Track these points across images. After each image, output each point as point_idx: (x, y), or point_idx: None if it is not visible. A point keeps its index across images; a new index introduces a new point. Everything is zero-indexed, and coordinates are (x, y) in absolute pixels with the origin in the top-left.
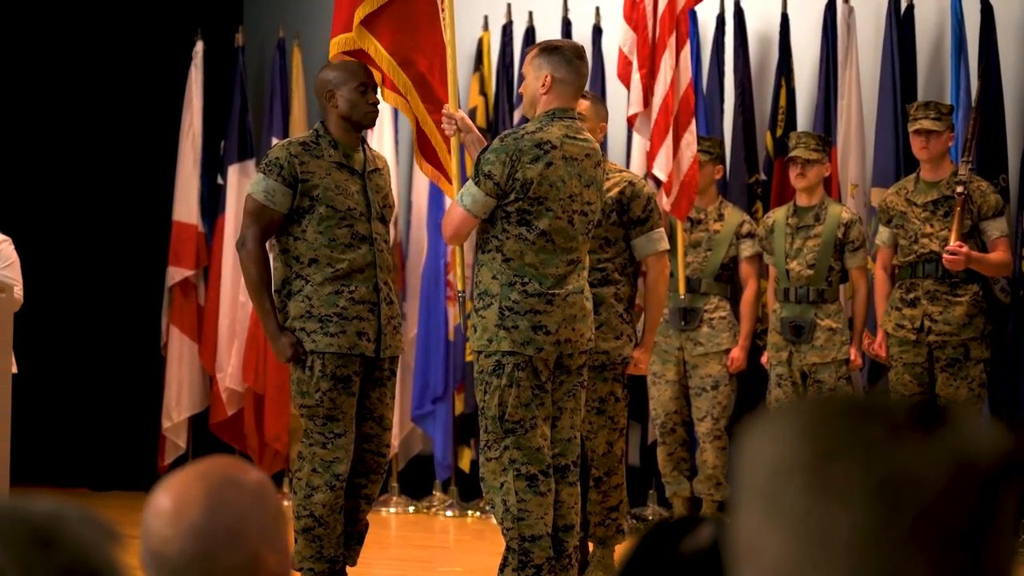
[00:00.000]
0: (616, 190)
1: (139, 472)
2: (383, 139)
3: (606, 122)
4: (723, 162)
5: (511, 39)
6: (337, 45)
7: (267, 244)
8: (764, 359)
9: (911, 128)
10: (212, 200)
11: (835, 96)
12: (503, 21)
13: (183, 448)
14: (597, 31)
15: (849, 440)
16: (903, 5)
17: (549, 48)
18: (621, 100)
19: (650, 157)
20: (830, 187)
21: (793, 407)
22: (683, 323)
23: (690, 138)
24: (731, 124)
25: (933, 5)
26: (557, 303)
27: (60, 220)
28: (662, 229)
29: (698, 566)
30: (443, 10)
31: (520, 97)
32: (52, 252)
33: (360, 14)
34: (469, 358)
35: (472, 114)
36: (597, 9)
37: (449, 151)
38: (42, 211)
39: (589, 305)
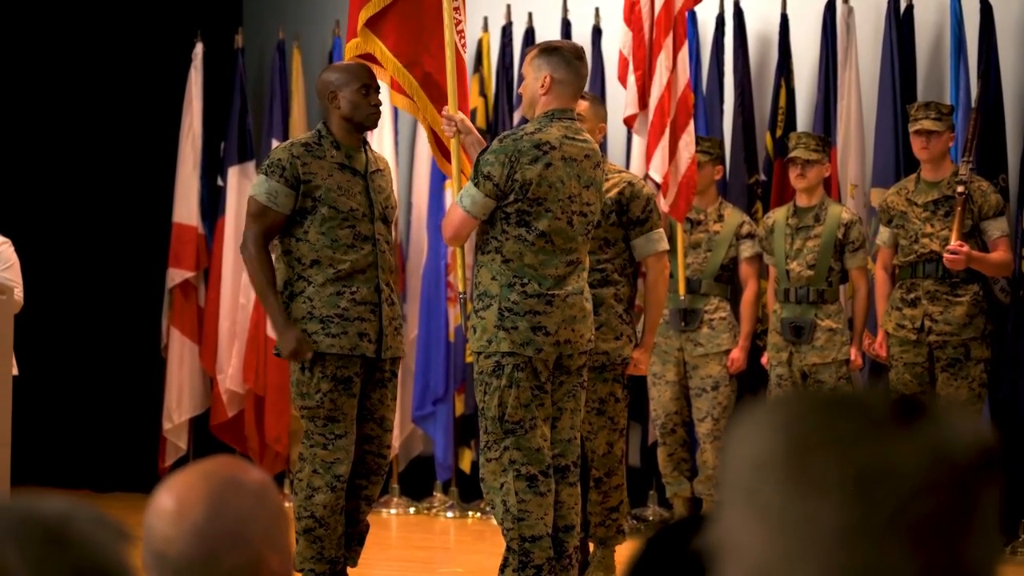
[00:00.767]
0: (615, 191)
1: (140, 474)
2: (383, 140)
3: (605, 123)
4: (723, 163)
5: (511, 40)
6: (351, 50)
7: (270, 245)
8: (764, 360)
9: (912, 128)
10: (212, 202)
11: (835, 96)
12: (503, 22)
13: (184, 450)
14: (597, 32)
15: (826, 433)
16: (902, 5)
17: (548, 49)
18: (621, 101)
19: (646, 158)
20: (830, 187)
21: (772, 402)
22: (683, 324)
23: (688, 139)
24: (731, 125)
25: (932, 5)
26: (557, 304)
27: (60, 222)
28: (661, 230)
29: (705, 563)
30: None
31: (520, 98)
32: (52, 254)
33: (363, 16)
34: (469, 359)
35: (472, 115)
36: (597, 10)
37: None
38: (42, 213)
39: (589, 306)
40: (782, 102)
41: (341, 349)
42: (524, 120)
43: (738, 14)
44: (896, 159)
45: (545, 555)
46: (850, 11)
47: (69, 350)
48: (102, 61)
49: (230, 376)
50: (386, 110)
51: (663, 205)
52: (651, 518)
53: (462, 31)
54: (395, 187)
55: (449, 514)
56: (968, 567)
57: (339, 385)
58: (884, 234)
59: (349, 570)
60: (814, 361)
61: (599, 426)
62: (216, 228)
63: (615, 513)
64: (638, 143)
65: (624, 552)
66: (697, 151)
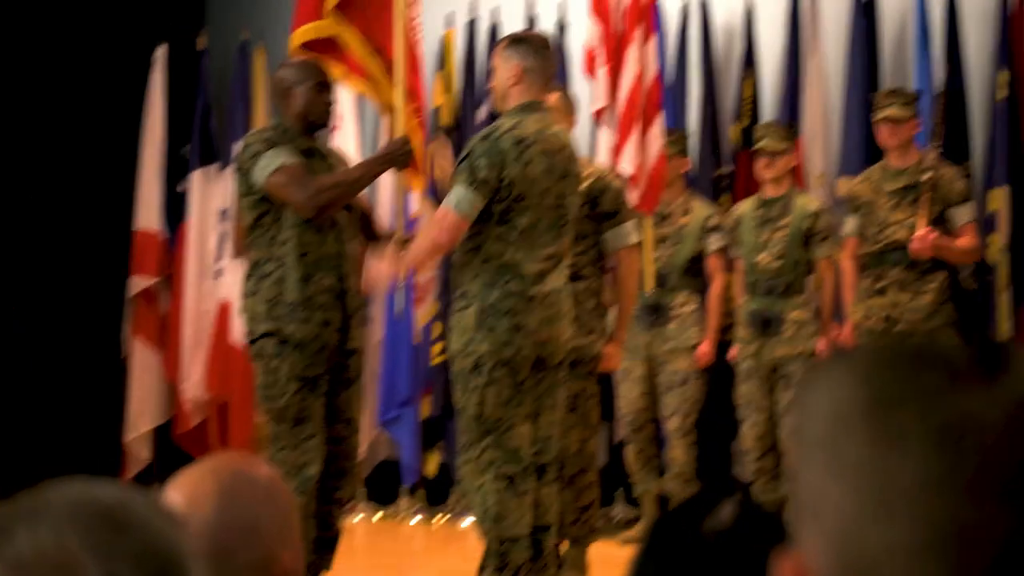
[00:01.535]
0: (586, 184)
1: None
2: (346, 139)
3: (575, 115)
4: (688, 155)
5: (476, 36)
6: (300, 36)
7: (246, 221)
8: (731, 353)
9: (877, 116)
10: (174, 207)
11: (801, 87)
12: (467, 18)
13: (146, 459)
14: (562, 27)
15: (908, 386)
16: None
17: (517, 39)
18: (587, 96)
19: (616, 151)
20: (796, 178)
21: (848, 355)
22: (652, 318)
23: (657, 132)
24: (696, 117)
25: None
26: (536, 303)
27: (18, 228)
28: (633, 222)
29: (721, 546)
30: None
31: (487, 94)
32: (10, 261)
33: (331, 1)
34: (435, 361)
35: (437, 112)
36: (561, 4)
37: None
38: None
39: (569, 306)
40: (747, 93)
41: (304, 337)
42: (490, 117)
43: (703, 5)
44: (863, 148)
45: (524, 556)
46: (814, 1)
47: (27, 359)
48: (62, 64)
49: (194, 384)
50: (349, 108)
51: (633, 199)
52: (619, 517)
53: (414, 27)
54: None
55: (416, 519)
56: None
57: (306, 385)
58: (851, 223)
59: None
60: (783, 353)
61: (572, 423)
62: (178, 233)
63: (588, 511)
64: (604, 137)
65: (596, 550)
66: (664, 144)
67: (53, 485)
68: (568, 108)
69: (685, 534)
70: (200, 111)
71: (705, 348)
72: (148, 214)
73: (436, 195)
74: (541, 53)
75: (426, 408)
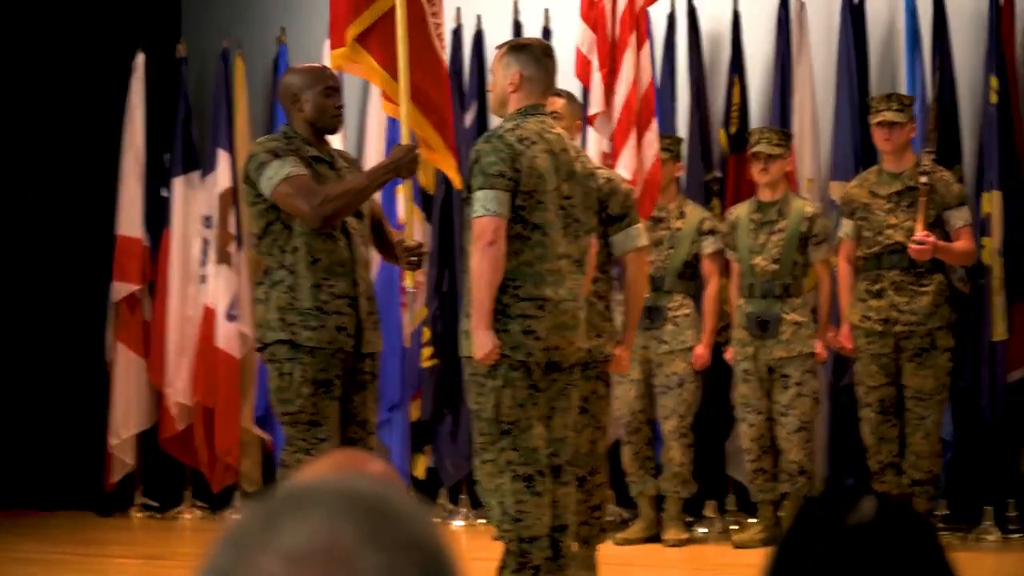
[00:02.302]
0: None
1: (86, 491)
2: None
3: (579, 120)
4: (681, 160)
5: (461, 44)
6: (336, 58)
7: (256, 229)
8: (727, 355)
9: (874, 120)
10: (156, 213)
11: (790, 92)
12: (452, 25)
13: (131, 465)
14: (547, 33)
15: None
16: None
17: (518, 46)
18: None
19: (613, 157)
20: (789, 182)
21: None
22: (648, 321)
23: (652, 136)
24: (686, 122)
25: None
26: (548, 310)
27: (0, 236)
28: (641, 225)
29: (863, 538)
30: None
31: (472, 100)
32: None
33: (352, 32)
34: (425, 364)
35: None
36: (547, 11)
37: (454, 152)
38: None
39: (582, 315)
40: (735, 99)
41: (319, 343)
42: (478, 122)
43: (691, 12)
44: (855, 152)
45: (543, 555)
46: (802, 6)
47: (11, 366)
48: (41, 72)
49: (179, 389)
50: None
51: None
52: (611, 519)
53: (441, 34)
54: None
55: None
56: None
57: (320, 388)
58: (847, 226)
59: None
60: (780, 355)
61: (582, 424)
62: (161, 240)
63: (598, 512)
64: (594, 142)
65: (605, 551)
66: (659, 149)
67: (301, 477)
68: (574, 113)
69: (827, 526)
70: (181, 118)
71: (701, 351)
72: (130, 220)
73: (421, 201)
74: (541, 61)
75: (415, 412)
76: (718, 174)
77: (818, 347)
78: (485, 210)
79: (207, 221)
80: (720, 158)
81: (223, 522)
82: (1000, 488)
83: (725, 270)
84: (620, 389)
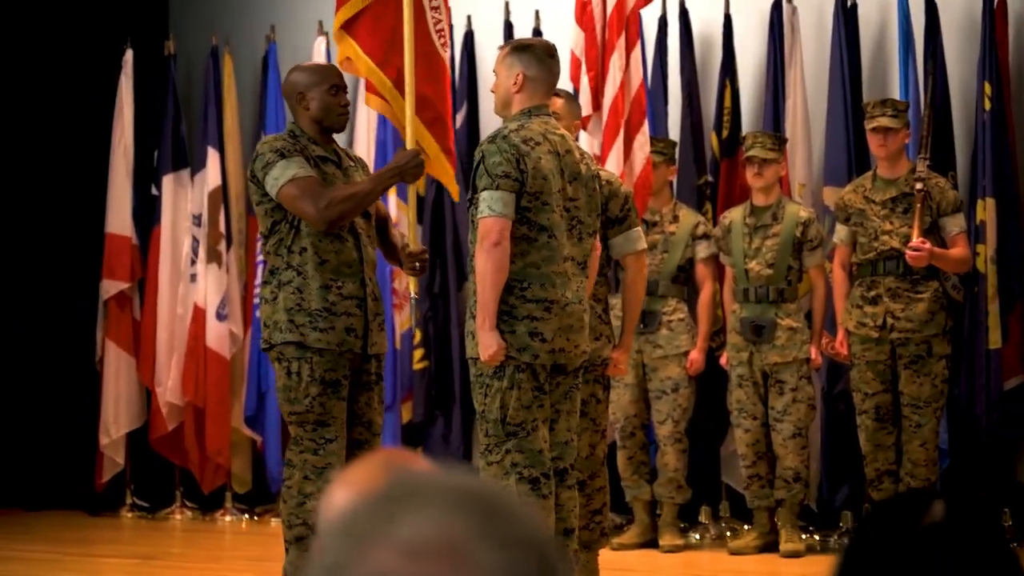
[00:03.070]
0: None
1: (75, 490)
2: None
3: (580, 120)
4: (676, 163)
5: (452, 44)
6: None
7: (263, 228)
8: (723, 360)
9: (869, 126)
10: (145, 211)
11: (782, 96)
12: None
13: (121, 465)
14: (537, 35)
15: None
16: (847, 4)
17: (520, 47)
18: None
19: (601, 159)
20: (782, 186)
21: None
22: (642, 326)
23: (643, 139)
24: (678, 126)
25: (876, 3)
26: (555, 312)
27: None
28: (640, 228)
29: (934, 540)
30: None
31: (462, 100)
32: None
33: (339, 19)
34: (416, 367)
35: None
36: (537, 12)
37: (448, 151)
38: None
39: (587, 318)
40: (727, 103)
41: (328, 344)
42: (468, 122)
43: (683, 15)
44: (848, 157)
45: None
46: (794, 10)
47: (0, 364)
48: (29, 70)
49: (169, 388)
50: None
51: None
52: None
53: (442, 30)
54: None
55: None
56: None
57: (328, 388)
58: (842, 232)
59: None
60: (775, 360)
61: (581, 428)
62: (151, 238)
63: (598, 516)
64: (586, 145)
65: (601, 555)
66: (651, 152)
67: (396, 469)
68: (573, 113)
69: (899, 527)
70: (170, 116)
71: (696, 355)
72: (119, 218)
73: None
74: (544, 61)
75: (407, 413)
76: (710, 178)
77: (813, 353)
78: (490, 211)
79: (197, 219)
80: (712, 162)
81: (213, 521)
82: (996, 496)
83: (719, 275)
84: (615, 393)
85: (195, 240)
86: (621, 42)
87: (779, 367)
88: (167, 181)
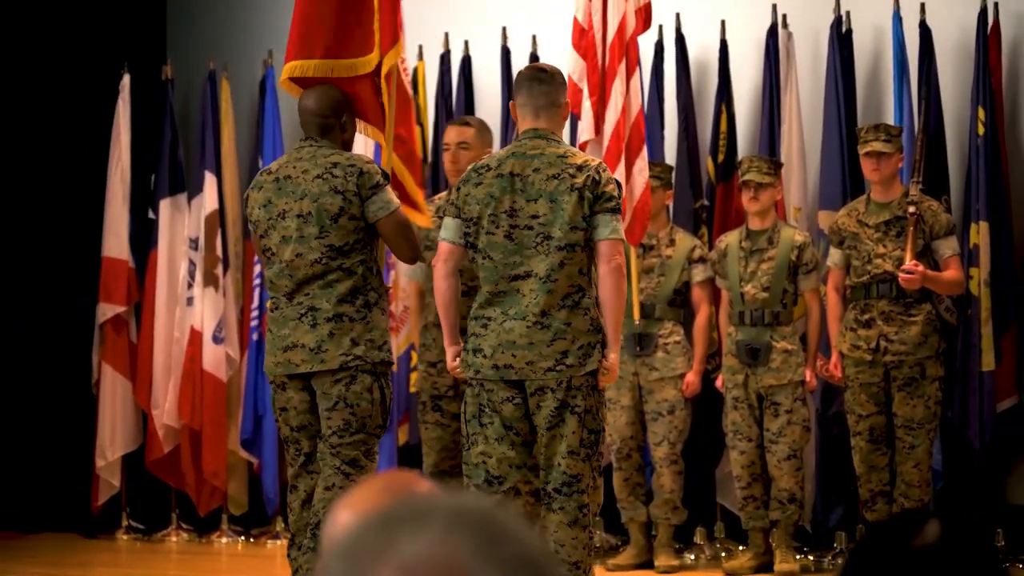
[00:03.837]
0: None
1: (71, 513)
2: None
3: (491, 147)
4: (672, 188)
5: (449, 68)
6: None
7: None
8: (718, 383)
9: (862, 151)
10: (142, 235)
11: (778, 120)
12: (440, 51)
13: (117, 487)
14: (535, 59)
15: None
16: (842, 30)
17: (516, 76)
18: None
19: None
20: (777, 211)
21: None
22: (638, 348)
23: (642, 164)
24: (675, 150)
25: (871, 30)
26: (492, 328)
27: None
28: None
29: (927, 561)
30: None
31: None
32: None
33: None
34: (413, 389)
35: None
36: (534, 38)
37: (414, 174)
38: None
39: (544, 334)
40: (723, 127)
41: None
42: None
43: (679, 40)
44: (842, 182)
45: None
46: (790, 36)
47: None
48: (27, 93)
49: (166, 411)
50: None
51: None
52: (598, 545)
53: (405, 67)
54: None
55: None
56: None
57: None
58: (835, 255)
59: None
60: (770, 383)
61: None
62: (148, 261)
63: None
64: None
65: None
66: (649, 176)
67: (400, 490)
68: (484, 141)
69: (892, 549)
70: (168, 140)
71: (692, 378)
72: (116, 242)
73: None
74: (523, 86)
75: (403, 435)
76: (706, 202)
77: (808, 375)
78: (442, 237)
79: (194, 243)
80: (708, 186)
81: (209, 544)
82: (990, 518)
83: (715, 298)
84: (611, 416)
85: (192, 264)
86: (622, 68)
87: (774, 389)
88: (164, 205)
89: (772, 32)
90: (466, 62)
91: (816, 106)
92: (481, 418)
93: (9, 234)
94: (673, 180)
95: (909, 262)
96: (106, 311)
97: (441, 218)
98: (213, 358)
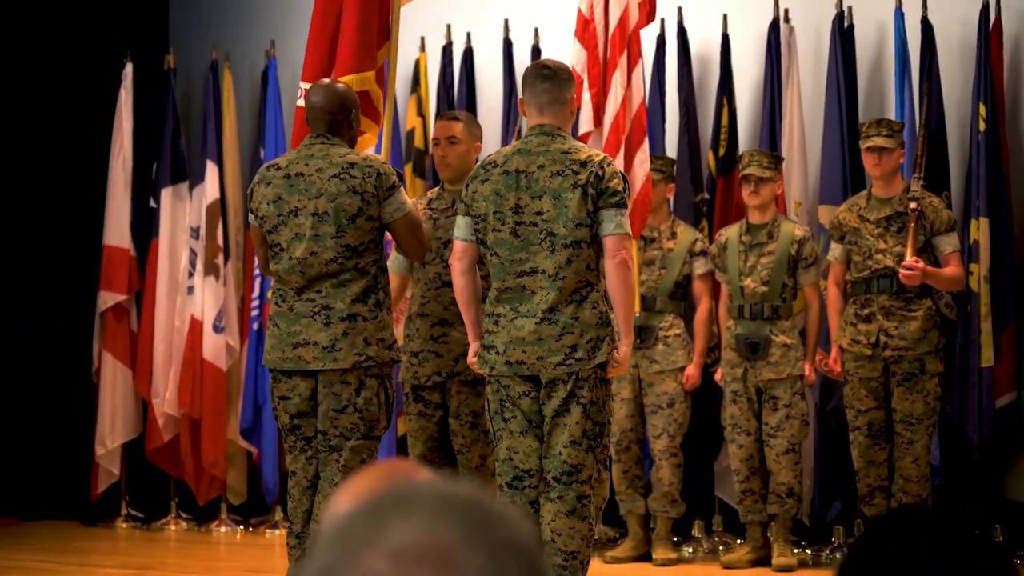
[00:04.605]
0: None
1: (71, 500)
2: None
3: (480, 141)
4: (675, 181)
5: (451, 60)
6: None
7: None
8: (717, 376)
9: (864, 145)
10: (143, 224)
11: (779, 115)
12: (443, 42)
13: (116, 475)
14: (536, 52)
15: None
16: (844, 25)
17: (523, 73)
18: None
19: None
20: (777, 205)
21: None
22: (639, 341)
23: (643, 156)
24: (675, 144)
25: (873, 25)
26: (503, 325)
27: None
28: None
29: (927, 557)
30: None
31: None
32: None
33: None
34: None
35: (410, 135)
36: (536, 30)
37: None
38: None
39: (552, 329)
40: (724, 121)
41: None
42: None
43: (680, 34)
44: (843, 177)
45: None
46: (792, 31)
47: None
48: (29, 82)
49: (166, 400)
50: None
51: None
52: (596, 537)
53: None
54: None
55: None
56: None
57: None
58: (836, 250)
59: None
60: (769, 377)
61: (472, 440)
62: (149, 250)
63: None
64: None
65: (594, 568)
66: (651, 169)
67: (398, 478)
68: (472, 135)
69: (894, 547)
70: (169, 129)
71: (692, 371)
72: (117, 231)
73: None
74: (528, 82)
75: (402, 426)
76: (706, 196)
77: (807, 369)
78: (455, 235)
79: (195, 232)
80: (708, 180)
81: (208, 532)
82: (989, 513)
83: (716, 291)
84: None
85: (193, 253)
86: (623, 60)
87: (773, 383)
88: (166, 194)
89: (774, 26)
90: (468, 54)
91: (817, 101)
92: (503, 413)
93: (11, 222)
94: (674, 174)
95: (910, 258)
96: (107, 299)
97: (431, 211)
98: (213, 347)
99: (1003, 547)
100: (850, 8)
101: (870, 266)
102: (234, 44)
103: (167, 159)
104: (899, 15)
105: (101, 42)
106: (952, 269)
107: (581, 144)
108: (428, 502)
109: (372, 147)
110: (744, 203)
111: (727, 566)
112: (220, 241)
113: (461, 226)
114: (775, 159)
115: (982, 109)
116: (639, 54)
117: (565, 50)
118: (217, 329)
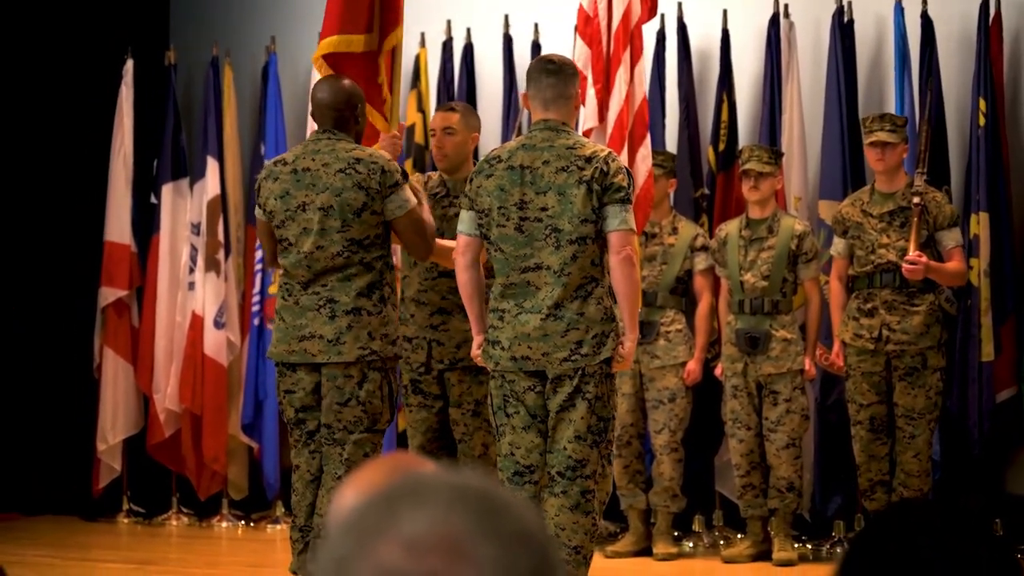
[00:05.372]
0: None
1: (72, 496)
2: None
3: (478, 132)
4: (676, 176)
5: (451, 56)
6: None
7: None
8: (718, 371)
9: (867, 140)
10: (144, 220)
11: (779, 110)
12: (443, 38)
13: (118, 471)
14: (536, 47)
15: None
16: (844, 20)
17: (528, 68)
18: None
19: None
20: (778, 200)
21: None
22: (640, 336)
23: (645, 152)
24: (675, 139)
25: (873, 20)
26: (507, 320)
27: None
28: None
29: (928, 552)
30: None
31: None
32: None
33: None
34: None
35: (411, 131)
36: (536, 26)
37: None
38: None
39: (558, 325)
40: (724, 116)
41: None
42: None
43: (680, 29)
44: (843, 172)
45: None
46: (791, 26)
47: None
48: (30, 78)
49: (167, 395)
50: None
51: None
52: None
53: None
54: None
55: None
56: None
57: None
58: (839, 245)
59: None
60: (769, 371)
61: (474, 427)
62: (150, 246)
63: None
64: None
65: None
66: (652, 165)
67: (404, 471)
68: (469, 126)
69: (891, 540)
70: (170, 125)
71: (693, 366)
72: (118, 226)
73: None
74: (532, 78)
75: (403, 421)
76: (706, 191)
77: (807, 364)
78: (459, 229)
79: (195, 228)
80: (708, 175)
81: (209, 528)
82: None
83: (717, 286)
84: None
85: (194, 248)
86: (626, 56)
87: (773, 378)
88: (166, 190)
89: (774, 21)
90: (468, 49)
91: (817, 96)
92: (507, 408)
93: (12, 219)
94: (675, 169)
95: (913, 253)
96: (108, 295)
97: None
98: (214, 343)
99: (1004, 540)
100: (850, 3)
101: (873, 261)
102: (234, 40)
103: (168, 155)
104: (899, 10)
105: (102, 39)
106: (955, 264)
107: (586, 139)
108: (440, 493)
109: (381, 141)
110: (744, 198)
111: (728, 561)
112: (221, 237)
113: (465, 220)
114: (775, 154)
115: (982, 104)
116: (641, 50)
117: (565, 46)
118: (218, 325)
